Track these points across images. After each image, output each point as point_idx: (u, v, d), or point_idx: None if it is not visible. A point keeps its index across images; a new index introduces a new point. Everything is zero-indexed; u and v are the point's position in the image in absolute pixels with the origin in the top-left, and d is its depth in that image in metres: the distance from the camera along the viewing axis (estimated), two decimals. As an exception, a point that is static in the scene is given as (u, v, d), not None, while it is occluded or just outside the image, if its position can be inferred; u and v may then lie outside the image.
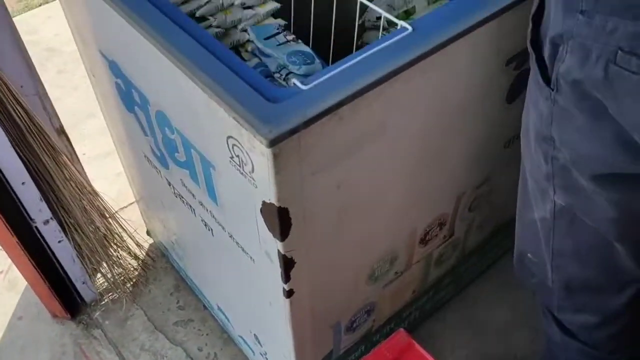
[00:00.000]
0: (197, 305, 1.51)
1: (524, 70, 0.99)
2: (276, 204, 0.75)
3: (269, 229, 0.81)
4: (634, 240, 0.81)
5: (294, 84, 0.76)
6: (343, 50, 1.10)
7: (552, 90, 0.74)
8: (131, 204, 1.70)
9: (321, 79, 0.76)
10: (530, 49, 0.78)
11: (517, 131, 1.10)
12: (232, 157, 0.78)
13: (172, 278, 1.57)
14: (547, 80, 0.75)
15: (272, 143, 0.68)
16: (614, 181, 0.74)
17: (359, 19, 1.04)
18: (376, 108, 0.78)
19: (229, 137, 0.75)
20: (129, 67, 0.97)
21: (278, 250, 0.83)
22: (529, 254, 0.99)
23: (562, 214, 0.84)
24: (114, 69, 1.02)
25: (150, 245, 1.64)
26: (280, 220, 0.78)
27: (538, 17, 0.77)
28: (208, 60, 0.77)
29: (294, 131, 0.69)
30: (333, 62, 1.08)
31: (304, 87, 0.75)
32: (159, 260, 1.61)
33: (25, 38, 1.18)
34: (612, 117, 0.69)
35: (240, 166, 0.77)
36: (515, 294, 1.47)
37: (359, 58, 0.79)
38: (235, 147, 0.76)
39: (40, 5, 2.53)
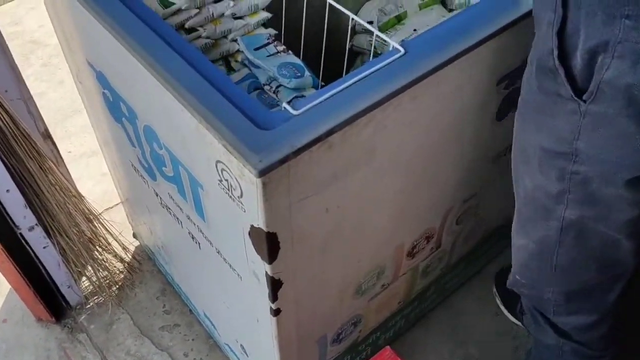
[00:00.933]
0: (183, 309, 1.50)
1: (514, 89, 0.99)
2: (264, 229, 0.75)
3: (257, 251, 0.81)
4: None
5: (285, 108, 0.75)
6: (333, 57, 1.09)
7: (584, 102, 0.74)
8: (117, 204, 1.68)
9: (312, 104, 0.75)
10: (558, 65, 0.76)
11: (505, 146, 1.10)
12: (220, 180, 0.78)
13: (159, 282, 1.56)
14: (578, 92, 0.74)
15: (262, 173, 0.67)
16: None
17: (349, 26, 1.02)
18: (366, 134, 0.78)
19: (217, 161, 0.75)
20: (117, 80, 0.95)
21: (266, 272, 0.82)
22: (519, 278, 1.00)
23: (570, 228, 0.85)
24: (102, 80, 1.01)
25: (136, 247, 1.62)
26: (268, 244, 0.77)
27: (562, 32, 0.75)
28: (197, 83, 0.76)
29: (283, 160, 0.69)
30: (324, 69, 1.08)
31: (294, 112, 0.74)
32: (145, 263, 1.59)
33: (8, 29, 1.15)
34: None
35: (228, 190, 0.77)
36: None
37: (350, 82, 0.78)
38: (224, 172, 0.75)
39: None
